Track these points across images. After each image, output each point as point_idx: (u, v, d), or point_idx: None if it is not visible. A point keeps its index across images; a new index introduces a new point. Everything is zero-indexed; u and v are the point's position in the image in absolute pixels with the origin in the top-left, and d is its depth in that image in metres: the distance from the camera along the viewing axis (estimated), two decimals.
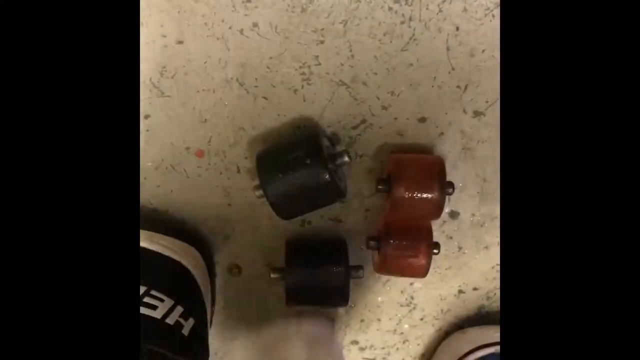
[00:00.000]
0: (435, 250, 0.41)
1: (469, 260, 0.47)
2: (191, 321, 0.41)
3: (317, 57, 0.40)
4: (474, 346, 0.47)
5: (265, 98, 0.42)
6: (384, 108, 0.42)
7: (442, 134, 0.43)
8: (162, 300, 0.40)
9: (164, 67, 0.41)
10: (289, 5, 0.39)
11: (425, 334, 0.51)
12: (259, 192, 0.40)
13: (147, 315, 0.39)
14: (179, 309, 0.41)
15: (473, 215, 0.45)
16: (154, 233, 0.43)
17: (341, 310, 0.49)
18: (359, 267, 0.43)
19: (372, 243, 0.42)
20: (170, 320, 0.40)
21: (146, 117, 0.42)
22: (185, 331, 0.40)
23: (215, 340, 0.50)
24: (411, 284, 0.48)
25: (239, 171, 0.44)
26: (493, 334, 0.48)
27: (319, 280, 0.43)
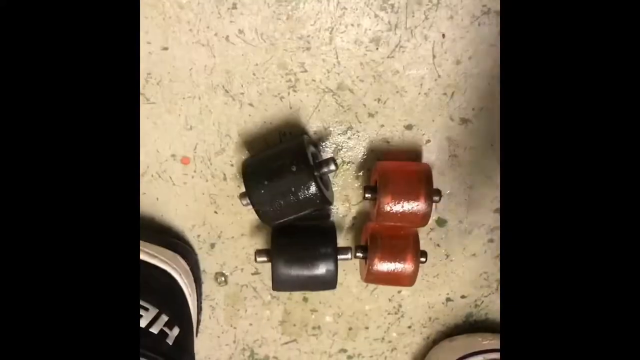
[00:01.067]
0: (422, 259, 0.41)
1: (456, 268, 0.47)
2: (176, 330, 0.41)
3: (303, 64, 0.40)
4: (462, 354, 0.47)
5: (251, 105, 0.42)
6: (371, 115, 0.42)
7: (428, 141, 0.43)
8: (146, 309, 0.40)
9: (149, 74, 0.40)
10: (274, 12, 0.39)
11: (413, 342, 0.50)
12: (245, 200, 0.39)
13: None
14: (164, 318, 0.40)
15: (460, 222, 0.45)
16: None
17: (329, 318, 0.49)
18: (347, 248, 0.42)
19: (359, 252, 0.42)
20: (154, 329, 0.39)
21: None
22: (170, 340, 0.40)
23: (201, 349, 0.50)
24: (399, 292, 0.48)
25: (225, 178, 0.44)
26: (481, 342, 0.48)
27: (306, 262, 0.41)
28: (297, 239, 0.42)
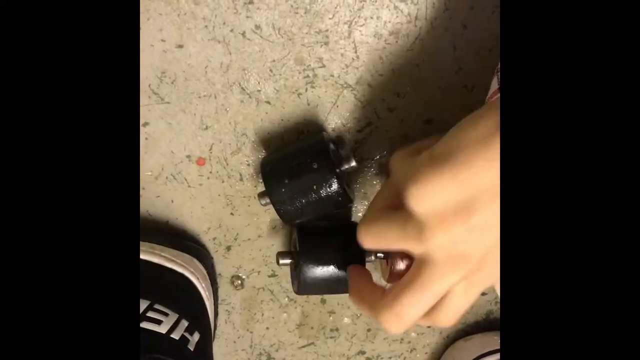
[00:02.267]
0: None
1: None
2: (196, 335, 0.40)
3: (321, 59, 0.39)
4: (477, 354, 0.46)
5: (268, 102, 0.41)
6: (390, 110, 0.41)
7: None
8: (166, 315, 0.39)
9: (164, 73, 0.39)
10: (292, 6, 0.38)
11: (432, 341, 0.49)
12: (264, 200, 0.38)
13: (152, 331, 0.37)
14: (184, 323, 0.39)
15: None
16: (154, 245, 0.41)
17: (347, 320, 0.48)
18: (370, 252, 0.40)
19: (380, 252, 0.41)
20: (175, 335, 0.38)
21: (145, 124, 0.41)
22: (191, 346, 0.39)
23: (217, 355, 0.49)
24: None
25: (241, 179, 0.43)
26: (497, 340, 0.47)
27: (336, 264, 0.39)
28: (325, 240, 0.40)
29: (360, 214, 0.44)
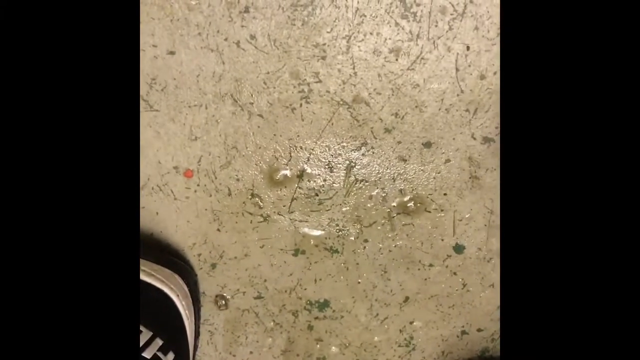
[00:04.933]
0: None
1: (473, 299, 0.44)
2: (171, 355, 0.38)
3: (317, 73, 0.38)
4: None
5: (260, 116, 0.39)
6: (387, 131, 0.39)
7: (448, 160, 0.40)
8: (139, 332, 0.37)
9: (154, 79, 0.38)
10: (289, 17, 0.36)
11: None
12: None
13: None
14: (158, 342, 0.37)
15: (479, 249, 0.42)
16: None
17: (335, 349, 0.46)
18: None
19: None
20: (147, 354, 0.36)
21: None
22: None
23: None
24: (411, 322, 0.45)
25: (230, 194, 0.41)
26: None
27: None
28: None
29: (352, 238, 0.43)
